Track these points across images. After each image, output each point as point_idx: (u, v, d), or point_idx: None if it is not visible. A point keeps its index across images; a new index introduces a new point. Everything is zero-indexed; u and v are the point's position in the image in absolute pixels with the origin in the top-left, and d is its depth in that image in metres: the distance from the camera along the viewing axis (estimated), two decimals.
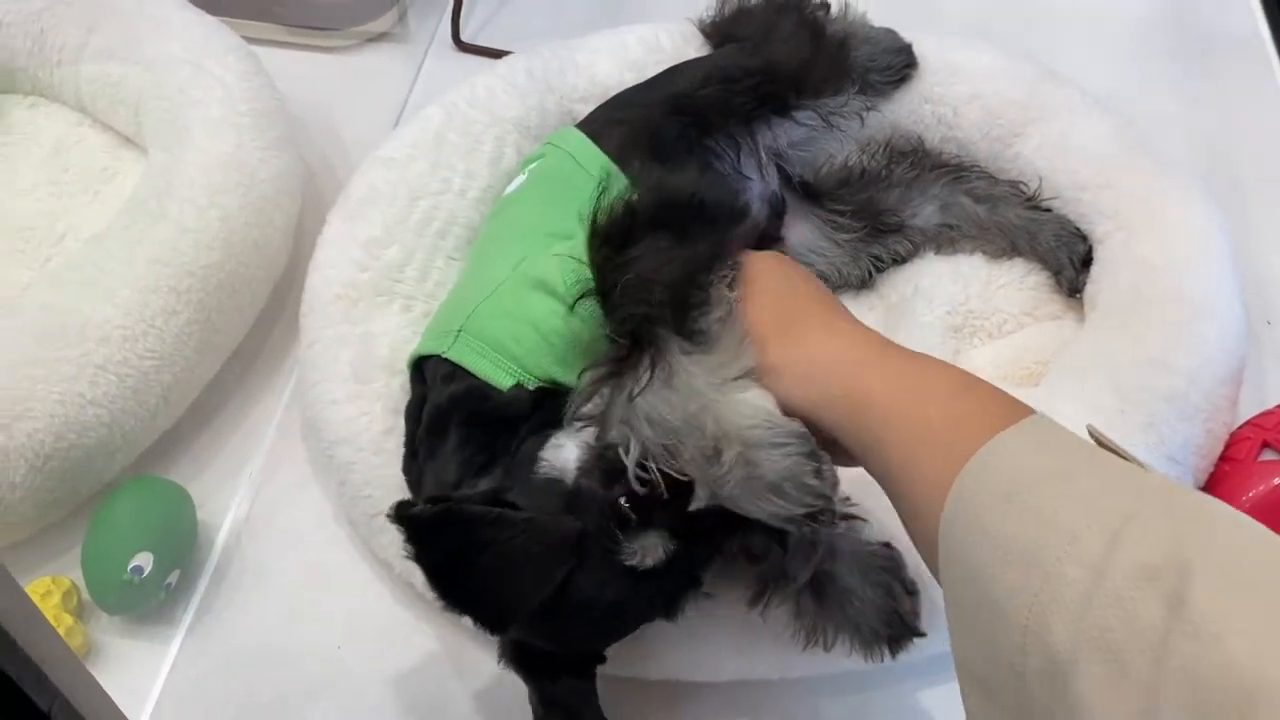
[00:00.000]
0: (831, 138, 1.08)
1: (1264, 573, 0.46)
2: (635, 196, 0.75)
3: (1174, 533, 0.48)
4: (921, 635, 0.77)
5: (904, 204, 1.07)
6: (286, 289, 1.08)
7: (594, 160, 0.92)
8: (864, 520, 0.78)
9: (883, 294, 1.08)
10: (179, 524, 0.92)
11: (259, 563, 0.95)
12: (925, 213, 1.06)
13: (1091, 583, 0.47)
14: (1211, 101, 1.25)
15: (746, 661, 0.83)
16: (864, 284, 1.07)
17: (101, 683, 0.59)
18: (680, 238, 0.72)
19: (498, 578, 0.66)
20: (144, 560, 0.87)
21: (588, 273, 0.74)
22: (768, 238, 0.96)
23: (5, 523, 0.90)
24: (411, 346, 0.88)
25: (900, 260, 1.08)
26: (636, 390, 0.67)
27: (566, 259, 0.77)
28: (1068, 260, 1.02)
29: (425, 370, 0.84)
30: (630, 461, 0.67)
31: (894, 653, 0.76)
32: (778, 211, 1.03)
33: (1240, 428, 0.92)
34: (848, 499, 0.79)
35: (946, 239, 1.07)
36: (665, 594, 0.73)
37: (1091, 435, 0.58)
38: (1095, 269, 1.00)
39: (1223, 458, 0.91)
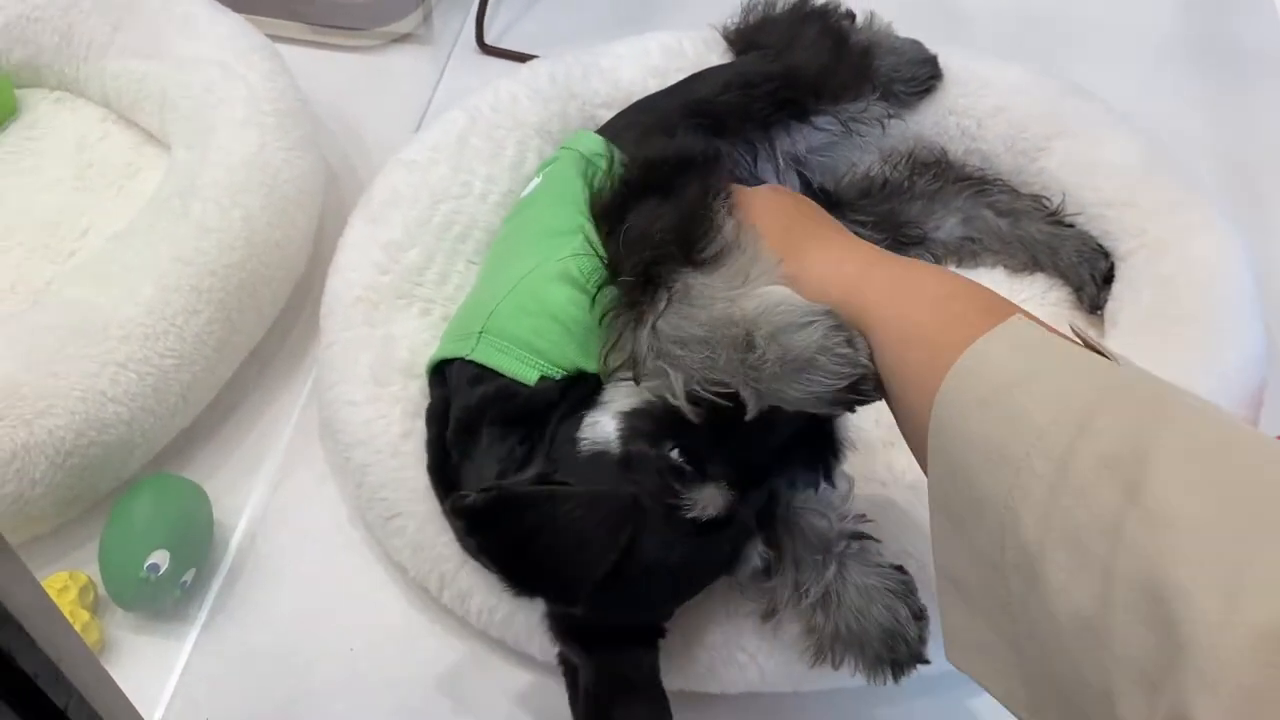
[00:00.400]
0: (852, 145, 1.08)
1: (1219, 463, 0.48)
2: (622, 171, 0.77)
3: (1136, 423, 0.50)
4: (925, 662, 0.76)
5: (926, 216, 1.07)
6: (307, 289, 1.08)
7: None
8: (876, 540, 0.78)
9: None
10: (195, 522, 0.92)
11: (274, 563, 0.95)
12: (947, 225, 1.06)
13: (1057, 475, 0.50)
14: (1237, 117, 1.25)
15: (759, 673, 0.83)
16: None
17: (116, 678, 0.59)
18: (667, 194, 0.75)
19: (560, 554, 0.67)
20: (160, 558, 0.87)
21: (599, 260, 0.75)
22: None
23: (25, 517, 0.90)
24: (431, 350, 0.89)
25: None
26: (657, 317, 0.69)
27: (581, 255, 0.79)
28: (1089, 277, 1.01)
29: (447, 374, 0.85)
30: (679, 390, 0.68)
31: (896, 677, 0.76)
32: None
33: None
34: (863, 515, 0.79)
35: (968, 252, 1.07)
36: (727, 547, 0.73)
37: (1074, 332, 0.60)
38: (1117, 286, 0.99)
39: None
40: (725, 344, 0.67)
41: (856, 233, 1.05)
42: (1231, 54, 1.31)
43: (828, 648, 0.77)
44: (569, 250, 0.81)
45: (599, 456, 0.72)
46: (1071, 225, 1.04)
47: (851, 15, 1.09)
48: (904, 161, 1.10)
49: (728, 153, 0.97)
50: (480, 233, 1.03)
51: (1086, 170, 1.04)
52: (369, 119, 1.29)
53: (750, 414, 0.67)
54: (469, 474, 0.79)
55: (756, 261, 0.71)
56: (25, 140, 1.21)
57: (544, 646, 0.85)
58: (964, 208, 1.07)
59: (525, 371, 0.78)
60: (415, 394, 0.92)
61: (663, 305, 0.69)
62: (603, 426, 0.73)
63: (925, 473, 0.60)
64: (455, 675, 0.89)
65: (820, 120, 1.03)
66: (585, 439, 0.73)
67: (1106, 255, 1.01)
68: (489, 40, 1.37)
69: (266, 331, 1.05)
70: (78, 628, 0.86)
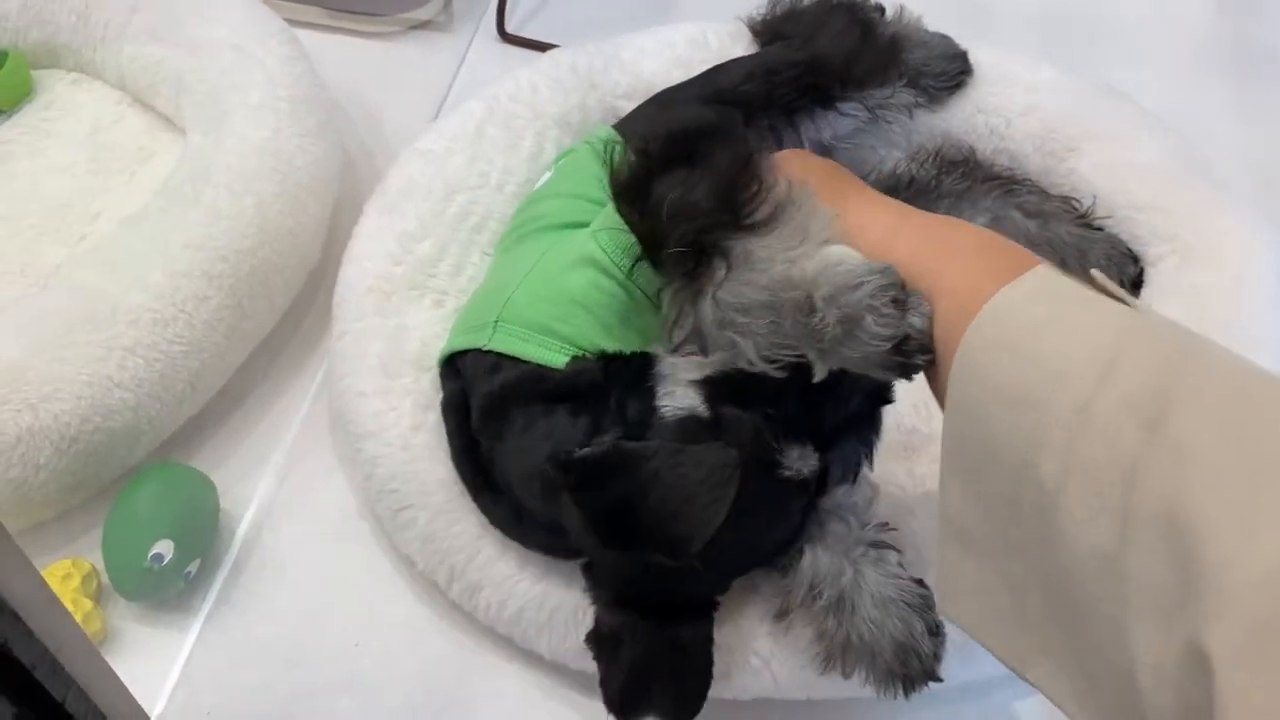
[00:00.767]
0: (879, 134, 1.06)
1: (1240, 404, 0.49)
2: (643, 146, 0.75)
3: (1159, 367, 0.51)
4: (938, 680, 0.74)
5: (954, 215, 1.04)
6: (321, 278, 1.07)
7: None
8: (898, 551, 0.76)
9: None
10: (201, 512, 0.91)
11: (280, 554, 0.94)
12: (975, 225, 1.04)
13: (1079, 418, 0.51)
14: (1271, 120, 1.22)
15: (772, 679, 0.81)
16: None
17: (117, 668, 0.58)
18: (694, 163, 0.73)
19: (674, 508, 0.66)
20: (164, 548, 0.86)
21: (628, 238, 0.74)
22: None
23: (29, 503, 0.89)
24: (442, 342, 0.88)
25: None
26: (716, 287, 0.68)
27: (601, 233, 0.78)
28: (1119, 281, 0.99)
29: (461, 366, 0.84)
30: (753, 356, 0.67)
31: (907, 692, 0.74)
32: None
33: None
34: (885, 524, 0.77)
35: None
36: (798, 518, 0.74)
37: (1095, 280, 0.60)
38: (1145, 292, 0.97)
39: None
40: (788, 307, 0.66)
41: None
42: (1268, 56, 1.29)
43: (838, 655, 0.75)
44: (586, 231, 0.79)
45: (688, 420, 0.72)
46: (1101, 228, 1.01)
47: (881, 9, 1.07)
48: (931, 159, 1.07)
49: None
50: (496, 224, 1.01)
51: (1117, 172, 1.02)
52: (387, 106, 1.28)
53: (818, 376, 0.67)
54: (507, 455, 0.79)
55: (814, 216, 0.70)
56: (40, 121, 1.20)
57: (552, 644, 0.84)
58: (992, 208, 1.04)
59: (550, 356, 0.78)
60: (426, 386, 0.90)
61: (721, 274, 0.68)
62: (682, 395, 0.72)
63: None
64: (461, 672, 0.88)
65: (846, 107, 1.01)
66: (666, 406, 0.73)
67: (1136, 260, 0.99)
68: (510, 29, 1.36)
69: (279, 320, 1.04)
70: (80, 616, 0.86)
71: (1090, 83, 1.08)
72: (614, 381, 0.76)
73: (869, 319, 0.64)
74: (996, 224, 1.03)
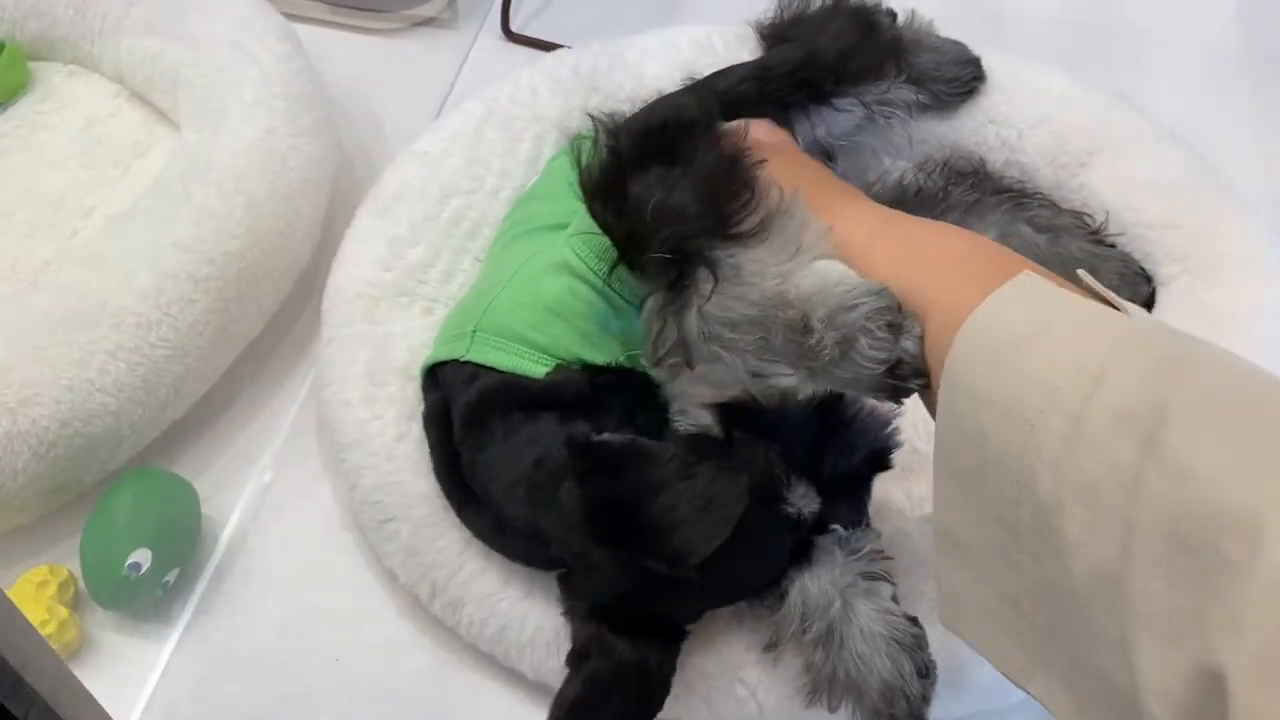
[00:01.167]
0: (877, 133, 1.03)
1: (1237, 411, 0.48)
2: (613, 143, 0.72)
3: (1151, 377, 0.50)
4: None
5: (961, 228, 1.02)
6: (312, 281, 1.04)
7: None
8: (892, 583, 0.74)
9: None
10: (181, 521, 0.89)
11: (262, 564, 0.92)
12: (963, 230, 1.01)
13: (1072, 431, 0.50)
14: None
15: (757, 709, 0.79)
16: None
17: (93, 678, 0.58)
18: (670, 161, 0.70)
19: (680, 514, 0.64)
20: (142, 556, 0.84)
21: (604, 241, 0.72)
22: None
23: (5, 508, 0.87)
24: (429, 351, 0.86)
25: None
26: (703, 300, 0.66)
27: (575, 238, 0.75)
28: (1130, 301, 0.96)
29: (440, 377, 0.82)
30: (741, 374, 0.66)
31: None
32: None
33: None
34: (880, 552, 0.75)
35: None
36: (787, 558, 0.73)
37: (1083, 283, 0.60)
38: (1156, 312, 0.94)
39: None
40: (779, 326, 0.64)
41: None
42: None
43: (824, 689, 0.72)
44: (562, 237, 0.77)
45: (701, 437, 0.71)
46: (1113, 245, 0.98)
47: (893, 14, 1.04)
48: (939, 170, 1.05)
49: None
50: (490, 229, 0.99)
51: (1130, 188, 0.99)
52: (388, 105, 1.25)
53: (802, 396, 0.66)
54: (489, 465, 0.77)
55: (807, 229, 0.67)
56: (35, 114, 1.19)
57: (534, 664, 0.82)
58: (1000, 221, 1.01)
59: (527, 366, 0.76)
60: (411, 396, 0.88)
61: (708, 287, 0.66)
62: (695, 414, 0.71)
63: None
64: (442, 689, 0.86)
65: (841, 102, 0.97)
66: (679, 422, 0.72)
67: (1149, 279, 0.96)
68: (515, 27, 1.33)
69: (267, 324, 1.02)
70: (55, 624, 0.84)
71: (1103, 93, 1.05)
72: (604, 392, 0.75)
73: (863, 341, 0.62)
74: (1005, 238, 1.00)
